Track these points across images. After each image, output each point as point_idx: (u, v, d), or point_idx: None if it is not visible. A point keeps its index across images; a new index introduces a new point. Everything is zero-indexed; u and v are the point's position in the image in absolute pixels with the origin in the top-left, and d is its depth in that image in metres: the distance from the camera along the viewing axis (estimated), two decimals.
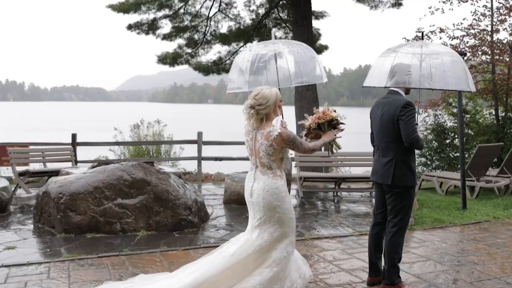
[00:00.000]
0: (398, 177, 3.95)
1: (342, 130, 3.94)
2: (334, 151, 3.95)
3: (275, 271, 3.45)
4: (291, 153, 3.61)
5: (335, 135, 3.87)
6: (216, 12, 14.70)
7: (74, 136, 10.53)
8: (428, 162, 13.28)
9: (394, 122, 3.93)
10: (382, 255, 4.18)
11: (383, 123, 4.02)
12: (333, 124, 3.89)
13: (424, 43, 4.33)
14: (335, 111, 3.90)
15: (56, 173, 8.50)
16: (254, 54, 4.59)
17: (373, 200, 8.42)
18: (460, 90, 4.22)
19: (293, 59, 4.49)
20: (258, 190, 3.54)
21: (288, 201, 3.58)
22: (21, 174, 8.74)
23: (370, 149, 4.41)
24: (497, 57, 12.50)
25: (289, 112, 13.02)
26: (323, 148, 4.00)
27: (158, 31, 14.62)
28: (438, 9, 13.53)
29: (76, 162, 9.89)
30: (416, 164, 14.32)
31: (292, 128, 3.97)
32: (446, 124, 13.30)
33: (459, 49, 12.57)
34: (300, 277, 3.66)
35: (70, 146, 10.18)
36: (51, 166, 9.64)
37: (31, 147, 10.24)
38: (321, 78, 4.62)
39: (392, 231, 4.02)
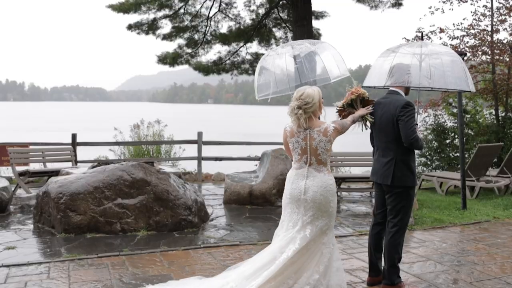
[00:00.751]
0: (398, 177, 3.95)
1: (373, 107, 4.12)
2: (368, 124, 4.11)
3: (326, 263, 3.55)
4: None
5: (368, 109, 4.07)
6: (216, 12, 14.70)
7: (74, 136, 10.53)
8: (428, 162, 13.28)
9: (394, 122, 3.93)
10: (382, 255, 4.18)
11: (382, 123, 4.03)
12: (364, 102, 4.10)
13: (424, 43, 4.33)
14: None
15: (56, 173, 8.50)
16: (288, 56, 4.54)
17: (373, 200, 8.42)
18: (460, 90, 4.21)
19: (329, 57, 4.47)
20: (314, 187, 3.60)
21: (336, 195, 3.74)
22: (21, 174, 8.74)
23: (370, 149, 4.41)
24: (497, 57, 12.49)
25: None
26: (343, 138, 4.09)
27: (158, 31, 14.63)
28: (438, 9, 13.53)
29: (76, 162, 9.89)
30: (416, 164, 14.30)
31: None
32: (446, 124, 13.29)
33: (459, 49, 12.57)
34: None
35: (70, 146, 10.18)
36: (51, 166, 9.64)
37: (31, 147, 10.23)
38: (347, 71, 4.59)
39: (392, 231, 4.02)
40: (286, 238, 3.61)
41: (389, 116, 3.96)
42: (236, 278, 3.56)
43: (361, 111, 4.04)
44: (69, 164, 9.62)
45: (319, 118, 3.69)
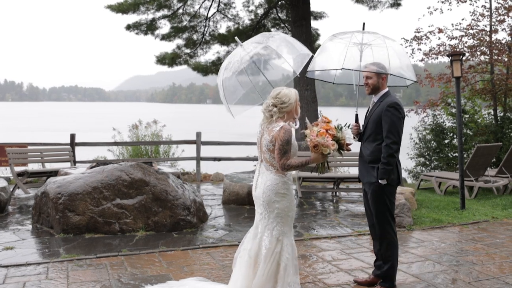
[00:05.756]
0: None
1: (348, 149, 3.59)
2: (320, 173, 3.60)
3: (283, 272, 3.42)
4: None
5: (324, 159, 3.47)
6: (214, 13, 14.72)
7: (72, 136, 10.52)
8: (427, 162, 13.31)
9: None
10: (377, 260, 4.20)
11: None
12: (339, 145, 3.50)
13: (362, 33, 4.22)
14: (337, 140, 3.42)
15: (54, 173, 8.50)
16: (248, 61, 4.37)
17: None
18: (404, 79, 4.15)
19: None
20: (260, 184, 3.52)
21: (289, 199, 3.49)
22: (20, 174, 8.73)
23: None
24: (496, 57, 12.52)
25: None
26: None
27: (156, 32, 14.64)
28: (437, 9, 13.57)
29: (74, 162, 9.88)
30: (415, 164, 14.35)
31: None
32: (445, 124, 13.32)
33: (457, 49, 12.59)
34: None
35: (69, 147, 10.16)
36: (49, 166, 9.63)
37: (29, 147, 10.21)
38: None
39: None
40: (248, 233, 3.64)
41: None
42: None
43: (315, 160, 3.43)
44: (68, 164, 9.61)
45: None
